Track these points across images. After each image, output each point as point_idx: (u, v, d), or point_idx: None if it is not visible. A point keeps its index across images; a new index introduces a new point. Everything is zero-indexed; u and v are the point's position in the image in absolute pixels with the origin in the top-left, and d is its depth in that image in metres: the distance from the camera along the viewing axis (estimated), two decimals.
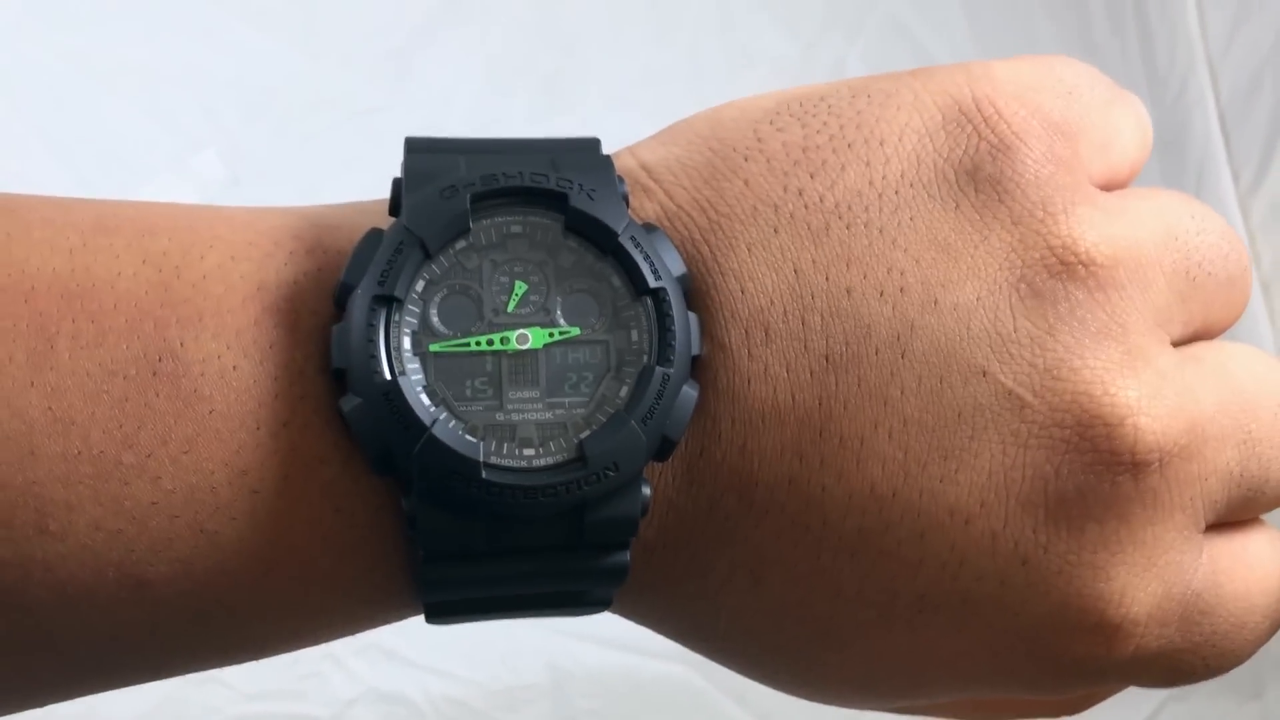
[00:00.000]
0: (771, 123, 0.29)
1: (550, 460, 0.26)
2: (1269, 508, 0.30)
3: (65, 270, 0.25)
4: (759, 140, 0.29)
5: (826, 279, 0.27)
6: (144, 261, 0.26)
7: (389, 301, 0.26)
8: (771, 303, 0.27)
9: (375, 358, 0.25)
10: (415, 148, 0.28)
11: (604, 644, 0.72)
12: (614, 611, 0.30)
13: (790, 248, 0.27)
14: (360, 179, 0.77)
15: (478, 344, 0.26)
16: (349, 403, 0.25)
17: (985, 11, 0.88)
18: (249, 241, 0.27)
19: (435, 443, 0.25)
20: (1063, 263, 0.27)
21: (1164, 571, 0.28)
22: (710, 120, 0.30)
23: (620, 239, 0.27)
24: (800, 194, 0.28)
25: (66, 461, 0.24)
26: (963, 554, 0.27)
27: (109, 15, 0.80)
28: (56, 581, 0.24)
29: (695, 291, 0.28)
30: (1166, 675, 0.29)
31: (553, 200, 0.27)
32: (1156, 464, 0.27)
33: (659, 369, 0.26)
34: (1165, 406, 0.27)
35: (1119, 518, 0.27)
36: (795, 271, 0.27)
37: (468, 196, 0.27)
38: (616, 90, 0.82)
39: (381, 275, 0.26)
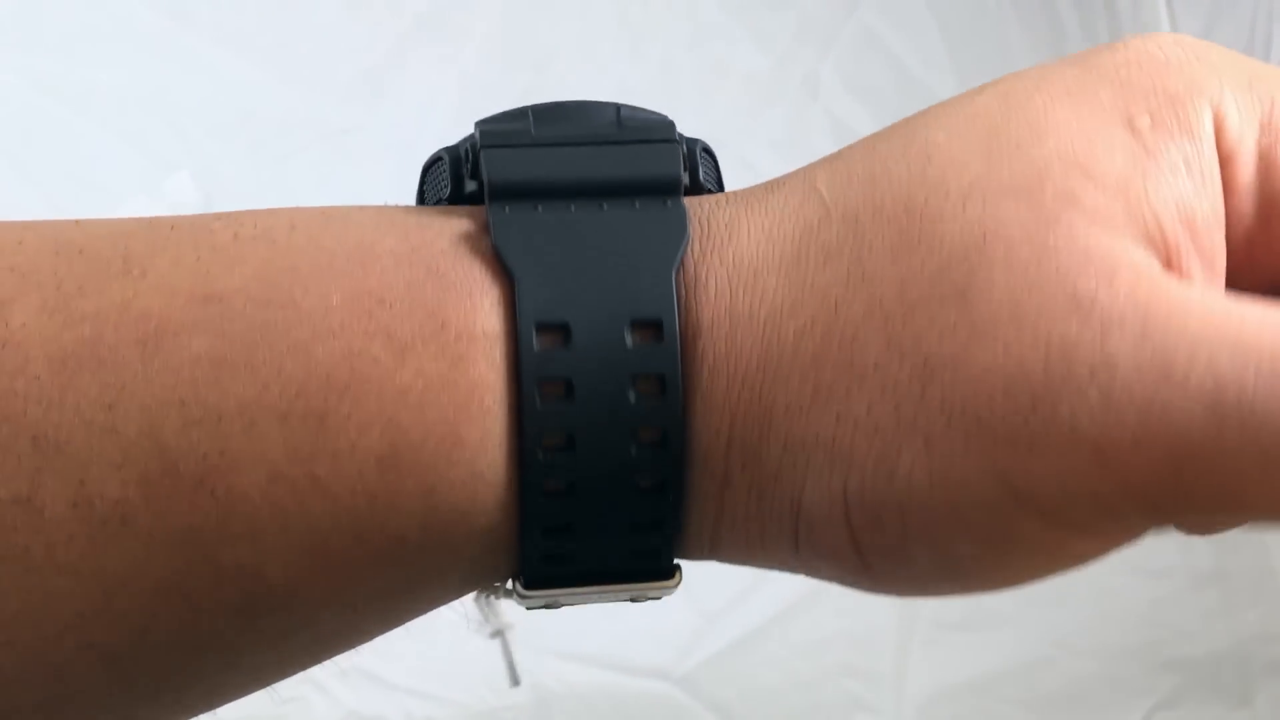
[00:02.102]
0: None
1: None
2: None
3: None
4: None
5: None
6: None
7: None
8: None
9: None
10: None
11: (586, 662, 0.72)
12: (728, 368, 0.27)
13: None
14: (335, 199, 0.77)
15: None
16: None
17: (958, 21, 0.88)
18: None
19: (490, 120, 0.28)
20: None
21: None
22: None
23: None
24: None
25: (160, 230, 0.27)
26: None
27: (80, 39, 0.79)
28: (131, 318, 0.25)
29: None
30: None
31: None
32: None
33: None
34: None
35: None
36: None
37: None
38: None
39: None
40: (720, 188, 0.29)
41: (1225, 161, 0.26)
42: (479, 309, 0.26)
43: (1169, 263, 0.24)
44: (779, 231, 0.26)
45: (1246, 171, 0.26)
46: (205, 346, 0.25)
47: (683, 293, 0.26)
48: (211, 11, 0.82)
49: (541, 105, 0.28)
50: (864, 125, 0.84)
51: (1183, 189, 0.25)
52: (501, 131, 0.27)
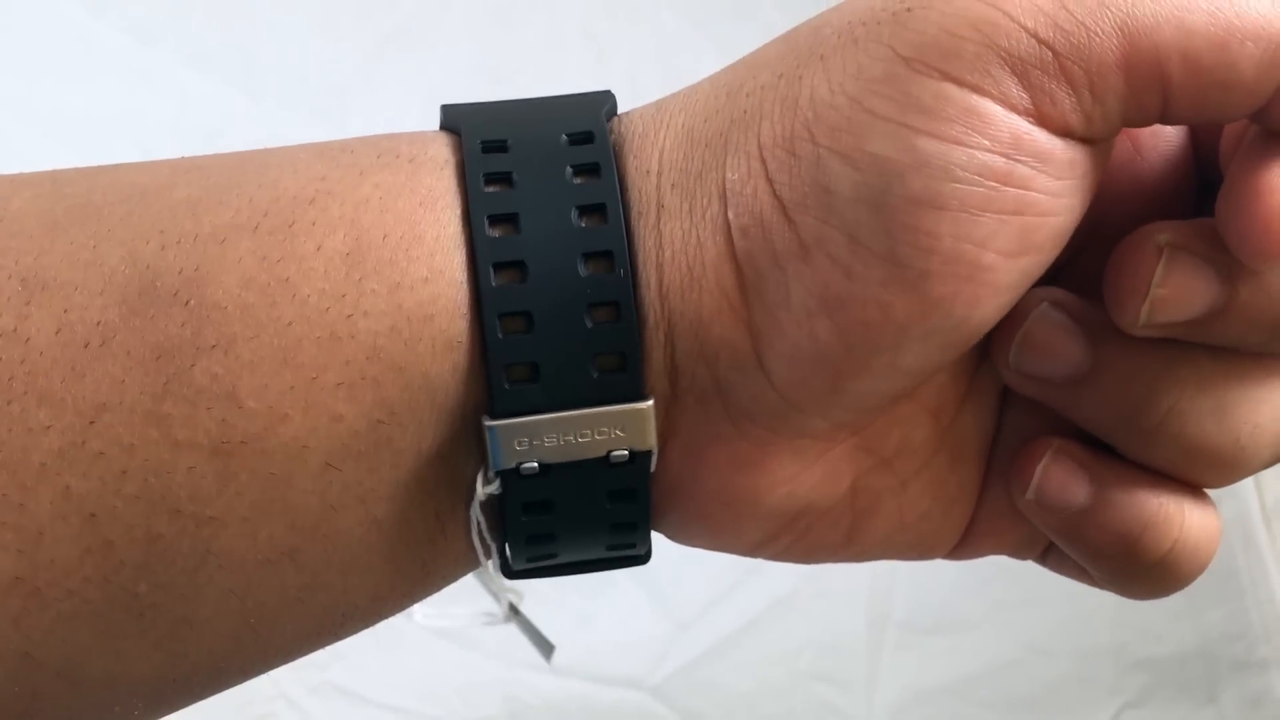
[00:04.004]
0: None
1: None
2: None
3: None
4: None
5: None
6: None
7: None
8: None
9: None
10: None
11: (559, 673, 0.72)
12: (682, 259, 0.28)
13: None
14: None
15: None
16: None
17: None
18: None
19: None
20: None
21: None
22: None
23: None
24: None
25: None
26: None
27: (45, 60, 0.79)
28: (123, 182, 0.28)
29: None
30: None
31: None
32: None
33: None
34: None
35: None
36: None
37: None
38: None
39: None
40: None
41: None
42: (430, 144, 0.29)
43: (1040, 111, 0.26)
44: (694, 89, 0.30)
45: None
46: (184, 194, 0.27)
47: (609, 120, 0.30)
48: (178, 31, 0.82)
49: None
50: None
51: (1041, 24, 0.26)
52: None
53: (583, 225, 0.27)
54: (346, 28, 0.85)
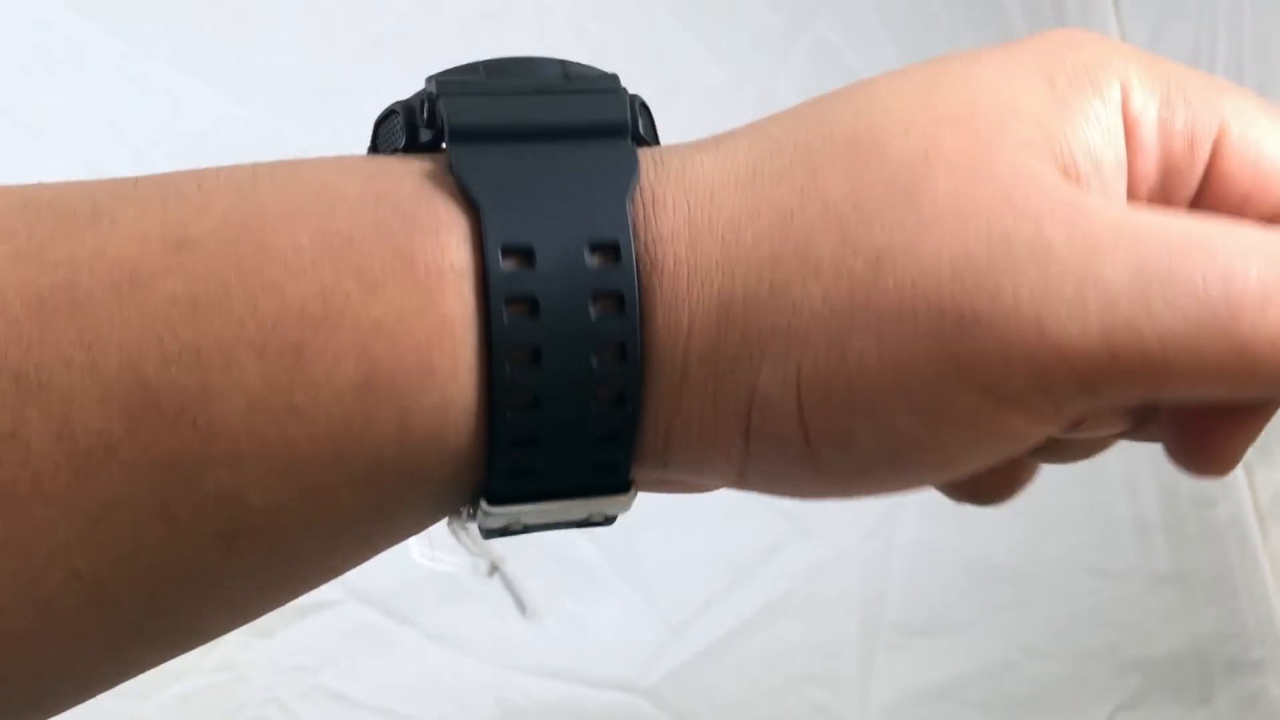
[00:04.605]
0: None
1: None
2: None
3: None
4: None
5: None
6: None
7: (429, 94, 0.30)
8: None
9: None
10: None
11: (551, 676, 0.72)
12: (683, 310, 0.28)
13: None
14: None
15: None
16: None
17: (911, 35, 0.89)
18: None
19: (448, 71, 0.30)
20: None
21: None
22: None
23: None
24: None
25: (128, 184, 0.28)
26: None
27: (35, 63, 0.79)
28: (105, 263, 0.26)
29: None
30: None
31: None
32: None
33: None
34: None
35: None
36: None
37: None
38: None
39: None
40: (657, 143, 0.30)
41: (1130, 127, 0.29)
42: (446, 245, 0.27)
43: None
44: (732, 162, 0.29)
45: (1149, 136, 0.29)
46: (180, 288, 0.26)
47: (640, 213, 0.28)
48: (168, 34, 0.82)
49: (490, 60, 0.30)
50: None
51: (1092, 136, 0.28)
52: (456, 81, 0.29)
53: (599, 366, 0.27)
54: (337, 30, 0.85)
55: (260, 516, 0.27)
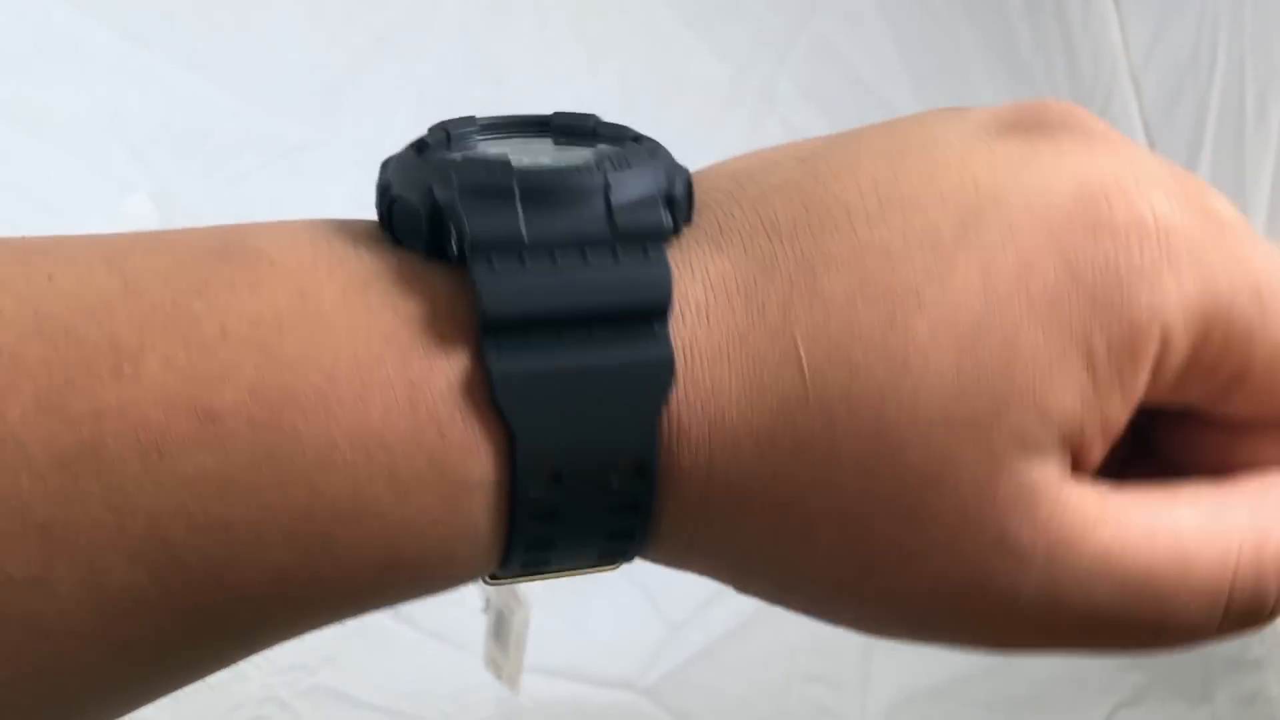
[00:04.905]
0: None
1: (570, 162, 0.29)
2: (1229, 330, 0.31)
3: (132, 234, 0.28)
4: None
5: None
6: (205, 234, 0.29)
7: (421, 144, 0.29)
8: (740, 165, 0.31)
9: (408, 149, 0.29)
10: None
11: (552, 674, 0.72)
12: (692, 453, 0.29)
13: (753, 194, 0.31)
14: (293, 216, 0.77)
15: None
16: (393, 185, 0.29)
17: (912, 30, 0.89)
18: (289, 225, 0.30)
19: (468, 159, 0.28)
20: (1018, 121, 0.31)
21: (1155, 172, 0.30)
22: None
23: (598, 119, 0.31)
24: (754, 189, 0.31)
25: (141, 314, 0.26)
26: (974, 173, 0.30)
27: (34, 60, 0.79)
28: (129, 426, 0.26)
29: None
30: (1246, 290, 0.30)
31: (541, 124, 0.32)
32: (1089, 121, 0.30)
33: (645, 139, 0.30)
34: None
35: (1085, 132, 0.30)
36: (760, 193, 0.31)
37: (476, 124, 0.31)
38: None
39: (414, 143, 0.29)
40: (690, 207, 0.30)
41: (1159, 363, 0.29)
42: (478, 461, 0.27)
43: (1078, 462, 0.29)
44: (760, 401, 0.29)
45: (1175, 362, 0.30)
46: (210, 465, 0.26)
47: (665, 437, 0.29)
48: (167, 31, 0.82)
49: (527, 175, 0.28)
50: (821, 133, 0.84)
51: (1114, 411, 0.29)
52: (492, 232, 0.28)
53: (601, 556, 0.30)
54: (337, 28, 0.85)
55: (282, 638, 0.28)
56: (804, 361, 0.29)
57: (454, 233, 0.27)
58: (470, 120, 0.31)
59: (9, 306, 0.26)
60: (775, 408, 0.29)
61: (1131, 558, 0.29)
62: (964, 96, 0.86)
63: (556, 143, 0.31)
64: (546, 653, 0.76)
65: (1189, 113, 0.75)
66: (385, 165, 0.30)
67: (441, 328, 0.28)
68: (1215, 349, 0.30)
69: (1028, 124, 0.31)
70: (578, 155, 0.29)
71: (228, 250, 0.28)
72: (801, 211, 0.30)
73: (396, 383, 0.27)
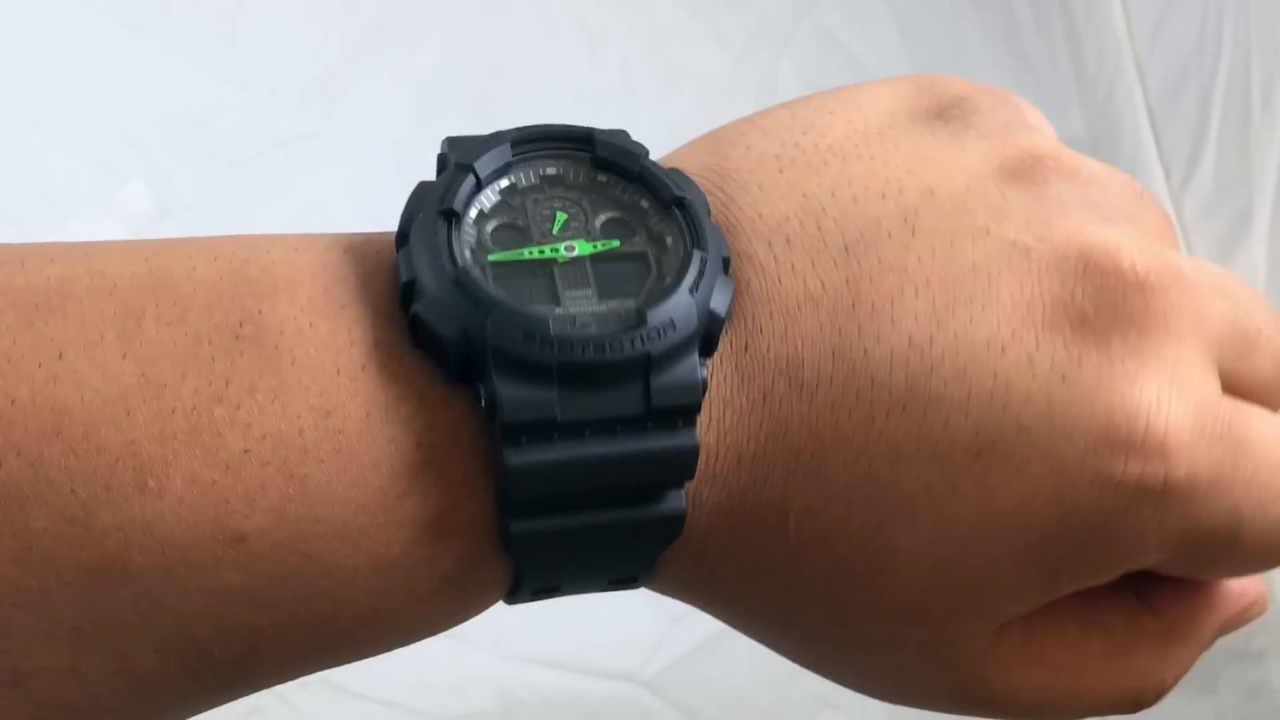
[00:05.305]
0: (760, 114, 0.33)
1: (612, 327, 0.28)
2: (1262, 377, 0.32)
3: (143, 271, 0.27)
4: (751, 123, 0.33)
5: (833, 194, 0.30)
6: (215, 259, 0.28)
7: (449, 215, 0.28)
8: (787, 218, 0.30)
9: (441, 256, 0.27)
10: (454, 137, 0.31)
11: (552, 666, 0.72)
12: (680, 570, 0.31)
13: (796, 180, 0.31)
14: (290, 206, 0.76)
15: (530, 253, 0.28)
16: (421, 304, 0.27)
17: (914, 18, 0.88)
18: (307, 242, 0.29)
19: (506, 310, 0.27)
20: (1033, 157, 0.31)
21: (1192, 387, 0.30)
22: (707, 131, 0.34)
23: (643, 161, 0.30)
24: (796, 145, 0.31)
25: (161, 419, 0.26)
26: (1006, 380, 0.29)
27: (30, 49, 0.78)
28: (156, 543, 0.26)
29: (716, 219, 0.30)
30: (1226, 520, 0.31)
31: (581, 142, 0.31)
32: (1158, 286, 0.29)
33: (697, 252, 0.29)
34: (1150, 247, 0.30)
35: (1139, 331, 0.29)
36: (803, 195, 0.30)
37: (509, 141, 0.30)
38: (548, 109, 0.81)
39: (440, 197, 0.28)
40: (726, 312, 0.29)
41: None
42: (489, 575, 0.29)
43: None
44: (745, 553, 0.31)
45: (1139, 567, 0.32)
46: (237, 582, 0.26)
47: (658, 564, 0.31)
48: (163, 19, 0.82)
49: (567, 353, 0.27)
50: None
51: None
52: (526, 415, 0.27)
53: None
54: (335, 16, 0.84)
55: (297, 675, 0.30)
56: (791, 534, 0.30)
57: (484, 395, 0.27)
58: (502, 145, 0.30)
59: (23, 396, 0.25)
60: (759, 561, 0.30)
61: (1031, 693, 0.32)
62: None
63: (600, 228, 0.30)
64: (545, 644, 0.76)
65: (1194, 100, 0.75)
66: (406, 234, 0.28)
67: (464, 468, 0.28)
68: (1181, 564, 0.32)
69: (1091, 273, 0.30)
70: (621, 312, 0.28)
71: (244, 331, 0.27)
72: (829, 368, 0.29)
73: (419, 519, 0.27)
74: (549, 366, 0.27)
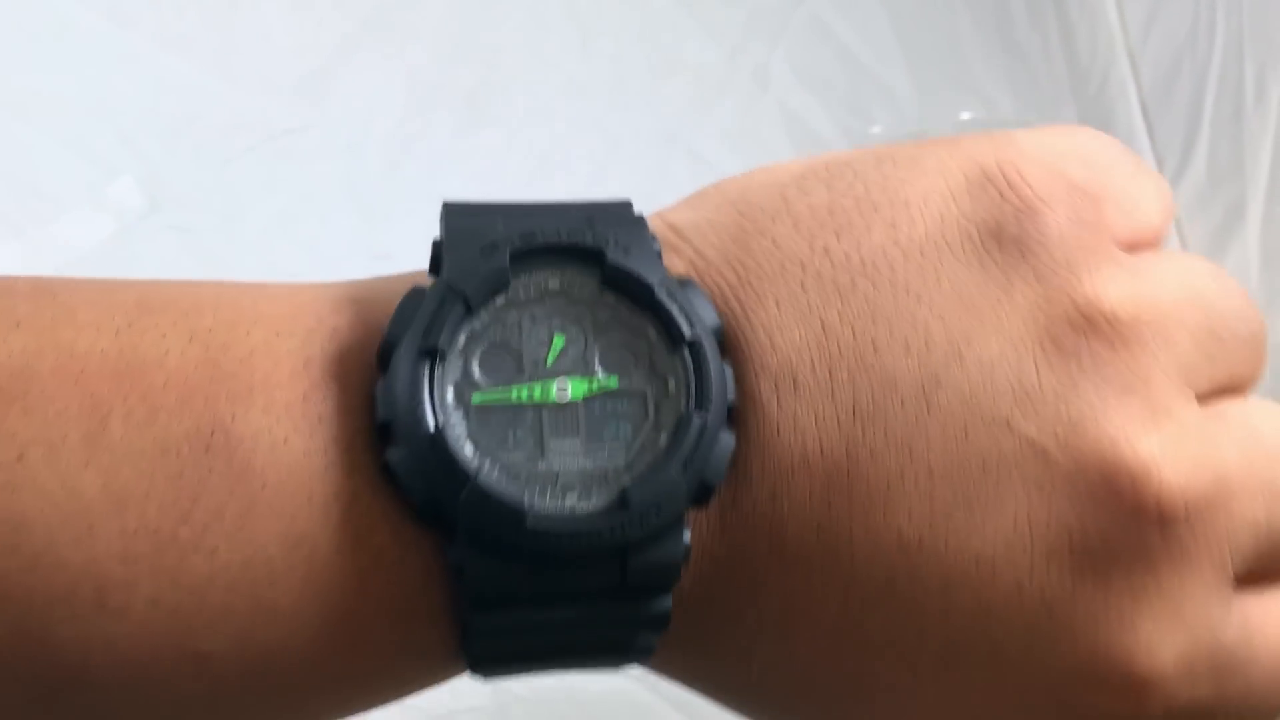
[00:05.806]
0: (798, 186, 0.30)
1: (593, 506, 0.26)
2: None
3: (113, 350, 0.25)
4: (785, 202, 0.29)
5: (853, 333, 0.28)
6: (190, 339, 0.26)
7: (432, 354, 0.26)
8: (800, 355, 0.28)
9: (420, 409, 0.26)
10: (454, 210, 0.28)
11: None
12: (650, 667, 0.30)
13: (818, 303, 0.28)
14: (281, 201, 0.76)
15: (519, 395, 0.27)
16: (395, 454, 0.26)
17: (908, 11, 0.88)
18: (291, 316, 0.27)
19: (480, 491, 0.26)
20: (1086, 318, 0.28)
21: (1192, 625, 0.27)
22: (738, 185, 0.31)
23: (656, 292, 0.27)
24: (827, 252, 0.28)
25: (124, 538, 0.25)
26: (989, 604, 0.27)
27: (18, 43, 0.78)
28: (117, 660, 0.25)
29: (726, 343, 0.28)
30: None
31: (589, 256, 0.28)
32: (1182, 517, 0.27)
33: (696, 416, 0.27)
34: (1189, 459, 0.27)
35: (1145, 569, 0.27)
36: (823, 326, 0.28)
37: (507, 253, 0.27)
38: (540, 102, 0.81)
39: (425, 330, 0.26)
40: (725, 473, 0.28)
41: None
42: (459, 664, 0.30)
43: None
44: (711, 678, 0.31)
45: None
46: (201, 691, 0.26)
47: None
48: (153, 14, 0.81)
49: (540, 538, 0.26)
50: (816, 116, 0.84)
51: None
52: (494, 591, 0.27)
53: None
54: (325, 10, 0.84)
55: None
56: (754, 675, 0.29)
57: (451, 559, 0.27)
58: (500, 258, 0.27)
59: None
60: (723, 690, 0.30)
61: None
62: (960, 77, 0.85)
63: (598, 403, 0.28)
64: None
65: (1187, 91, 0.75)
66: (389, 356, 0.27)
67: (436, 600, 0.27)
68: None
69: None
70: (609, 473, 0.27)
71: (214, 441, 0.25)
72: (812, 543, 0.28)
73: (388, 644, 0.27)
74: (519, 549, 0.26)
